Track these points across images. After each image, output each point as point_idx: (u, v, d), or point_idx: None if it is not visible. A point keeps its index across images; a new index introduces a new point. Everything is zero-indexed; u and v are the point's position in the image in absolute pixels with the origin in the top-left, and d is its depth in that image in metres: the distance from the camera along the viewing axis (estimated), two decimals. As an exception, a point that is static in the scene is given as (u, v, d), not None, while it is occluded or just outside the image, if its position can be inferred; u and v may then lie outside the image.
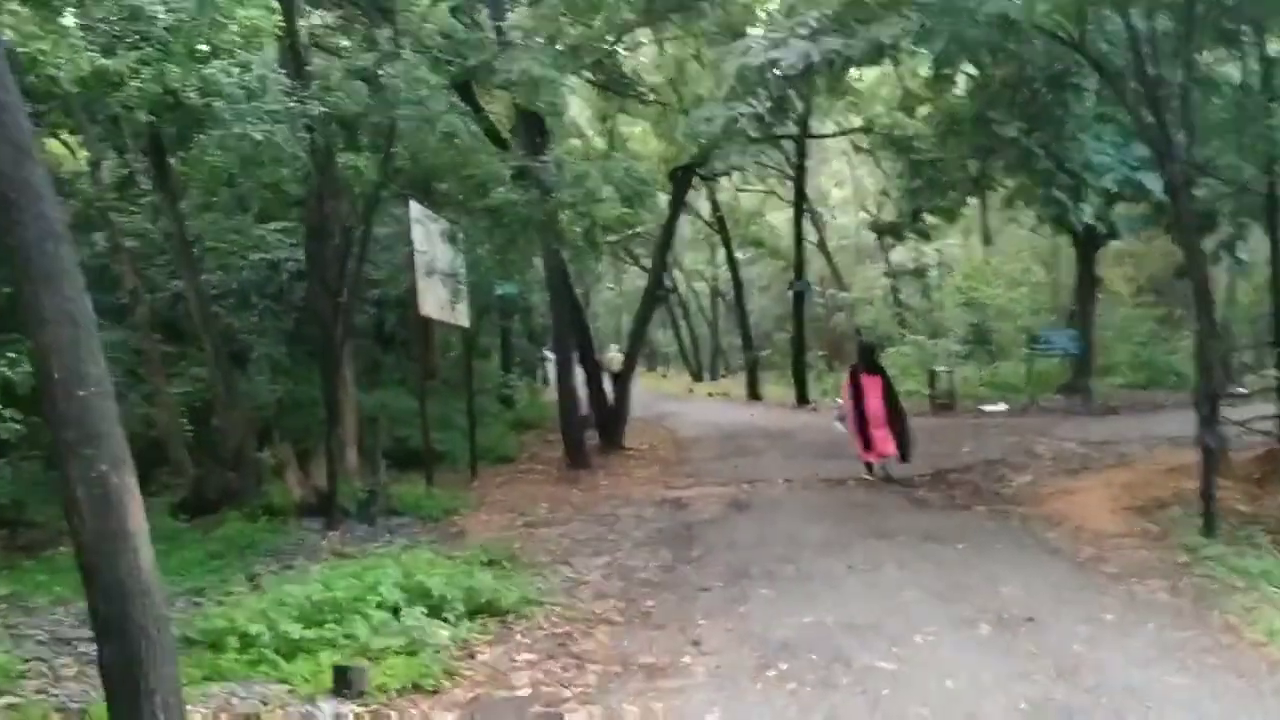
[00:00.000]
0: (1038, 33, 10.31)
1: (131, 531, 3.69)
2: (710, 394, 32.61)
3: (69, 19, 10.24)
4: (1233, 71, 12.18)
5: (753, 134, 10.88)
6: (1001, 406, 21.06)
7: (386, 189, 11.74)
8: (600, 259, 26.25)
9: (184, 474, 12.17)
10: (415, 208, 12.54)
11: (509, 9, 14.48)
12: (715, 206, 31.70)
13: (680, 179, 19.79)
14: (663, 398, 29.95)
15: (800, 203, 27.56)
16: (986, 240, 32.76)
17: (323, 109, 9.90)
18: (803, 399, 25.58)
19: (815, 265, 34.00)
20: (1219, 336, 9.59)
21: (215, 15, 10.17)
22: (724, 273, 37.43)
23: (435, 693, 5.55)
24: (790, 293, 28.20)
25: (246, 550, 9.55)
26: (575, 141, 24.86)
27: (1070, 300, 25.45)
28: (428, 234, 12.75)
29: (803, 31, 10.24)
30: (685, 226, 32.67)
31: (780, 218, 36.45)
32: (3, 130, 3.55)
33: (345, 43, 14.75)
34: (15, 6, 8.97)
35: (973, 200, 23.30)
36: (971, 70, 14.37)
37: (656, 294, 21.41)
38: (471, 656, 6.13)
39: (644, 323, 20.97)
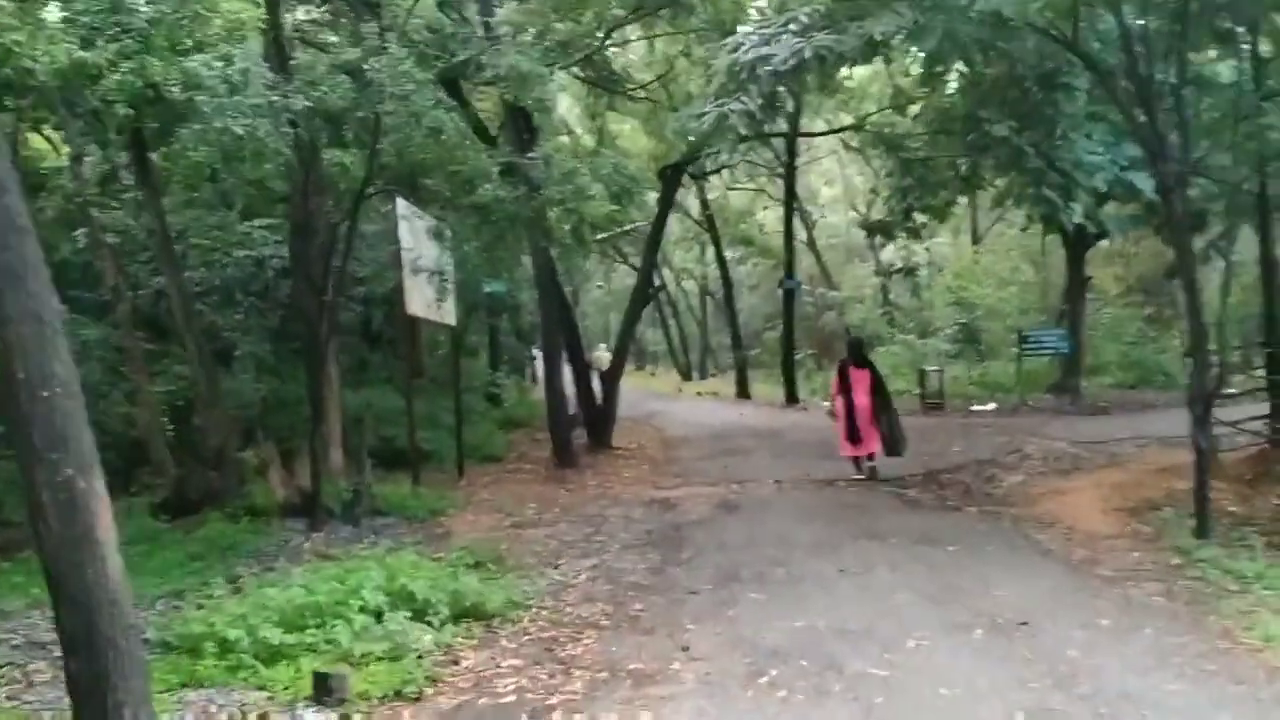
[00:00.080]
0: (1030, 31, 10.23)
1: (99, 539, 3.56)
2: (699, 393, 32.50)
3: (53, 12, 10.09)
4: (1223, 70, 12.16)
5: (743, 131, 10.70)
6: (991, 406, 21.03)
7: (372, 185, 11.59)
8: (589, 257, 26.17)
9: (165, 474, 12.01)
10: (402, 204, 12.39)
11: (497, 4, 14.33)
12: (705, 205, 31.60)
13: (670, 177, 19.66)
14: (651, 396, 29.83)
15: (790, 201, 27.48)
16: (976, 239, 32.82)
17: (307, 104, 9.75)
18: (792, 398, 25.51)
19: (805, 264, 33.97)
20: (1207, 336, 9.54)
21: (198, 8, 10.04)
22: (713, 271, 37.35)
23: (418, 700, 5.44)
24: (780, 291, 28.11)
25: (228, 552, 9.42)
26: (564, 138, 24.75)
27: (1059, 300, 25.45)
28: (414, 231, 12.60)
29: (794, 27, 10.10)
30: (674, 225, 32.57)
31: (770, 216, 36.40)
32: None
33: (333, 38, 14.60)
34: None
35: (962, 199, 23.25)
36: (962, 68, 14.26)
37: (646, 293, 21.27)
38: (456, 662, 6.01)
39: (633, 321, 20.85)
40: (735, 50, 10.32)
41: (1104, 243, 23.08)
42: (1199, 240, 14.05)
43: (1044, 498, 10.70)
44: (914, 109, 20.47)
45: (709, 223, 31.86)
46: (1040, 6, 9.83)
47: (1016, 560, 7.96)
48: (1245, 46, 10.46)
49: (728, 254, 33.67)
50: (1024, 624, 6.05)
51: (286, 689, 5.55)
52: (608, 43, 17.89)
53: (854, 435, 12.59)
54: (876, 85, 23.65)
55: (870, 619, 6.34)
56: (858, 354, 13.32)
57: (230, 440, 11.71)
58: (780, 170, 28.83)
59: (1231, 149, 10.41)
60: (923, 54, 10.27)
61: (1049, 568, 7.73)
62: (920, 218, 21.04)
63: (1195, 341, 9.10)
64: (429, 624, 6.53)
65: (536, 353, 25.77)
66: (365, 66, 10.26)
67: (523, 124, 14.58)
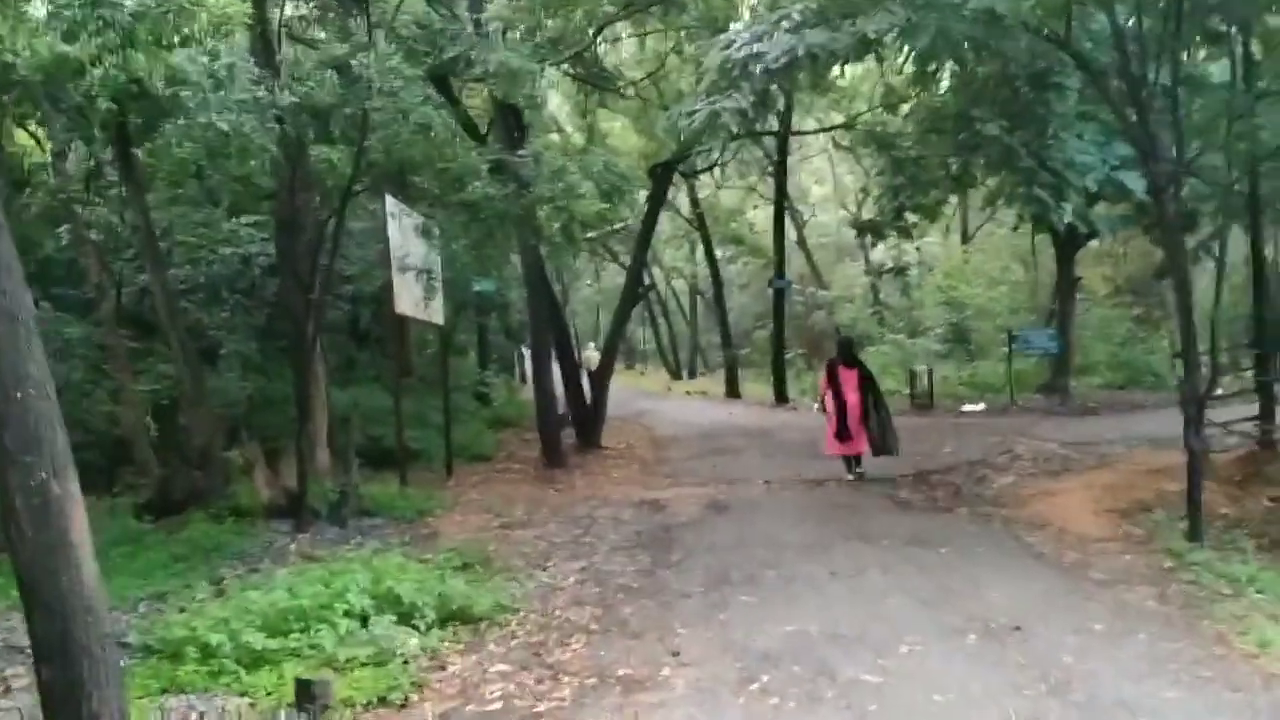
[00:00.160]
0: (1023, 29, 10.18)
1: (74, 544, 3.46)
2: (689, 392, 32.44)
3: (39, 8, 9.93)
4: (1214, 70, 12.15)
5: (735, 129, 10.63)
6: (981, 406, 21.00)
7: (360, 182, 11.47)
8: (578, 255, 26.11)
9: (149, 473, 11.87)
10: (390, 202, 12.28)
11: (487, 0, 14.23)
12: (695, 203, 31.54)
13: (660, 175, 19.59)
14: (641, 396, 29.73)
15: (781, 200, 27.42)
16: (966, 239, 32.82)
17: (293, 99, 9.63)
18: (782, 397, 25.46)
19: (795, 263, 33.91)
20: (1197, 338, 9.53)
21: (183, 2, 9.89)
22: (703, 270, 37.30)
23: (403, 706, 5.35)
24: (770, 290, 28.06)
25: (212, 553, 9.30)
26: (554, 136, 24.66)
27: (1049, 300, 25.47)
28: (402, 229, 12.49)
29: (786, 25, 10.04)
30: (665, 223, 32.48)
31: (760, 215, 36.36)
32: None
33: (321, 35, 14.47)
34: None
35: (953, 199, 23.22)
36: (954, 68, 14.23)
37: (636, 291, 21.18)
38: (442, 668, 5.92)
39: (623, 320, 20.75)
40: (727, 47, 10.27)
41: (1093, 243, 23.10)
42: (1189, 241, 14.07)
43: (1034, 499, 10.65)
44: (905, 108, 20.44)
45: (699, 221, 31.80)
46: (1032, 5, 9.80)
47: (1008, 563, 7.90)
48: (1238, 48, 10.45)
49: (718, 253, 33.61)
50: (1017, 628, 5.98)
51: (269, 695, 5.45)
52: (598, 39, 17.80)
53: (843, 434, 12.56)
54: (868, 84, 23.62)
55: (862, 623, 6.26)
56: (847, 353, 13.31)
57: (215, 440, 11.58)
58: (771, 169, 28.78)
59: (1223, 149, 10.41)
60: (915, 52, 10.18)
61: (1041, 571, 7.67)
62: (911, 217, 21.02)
63: (1186, 343, 9.06)
64: (415, 628, 6.44)
65: (526, 351, 25.70)
66: (353, 62, 10.15)
67: (512, 121, 14.49)
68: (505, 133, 14.46)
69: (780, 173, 27.04)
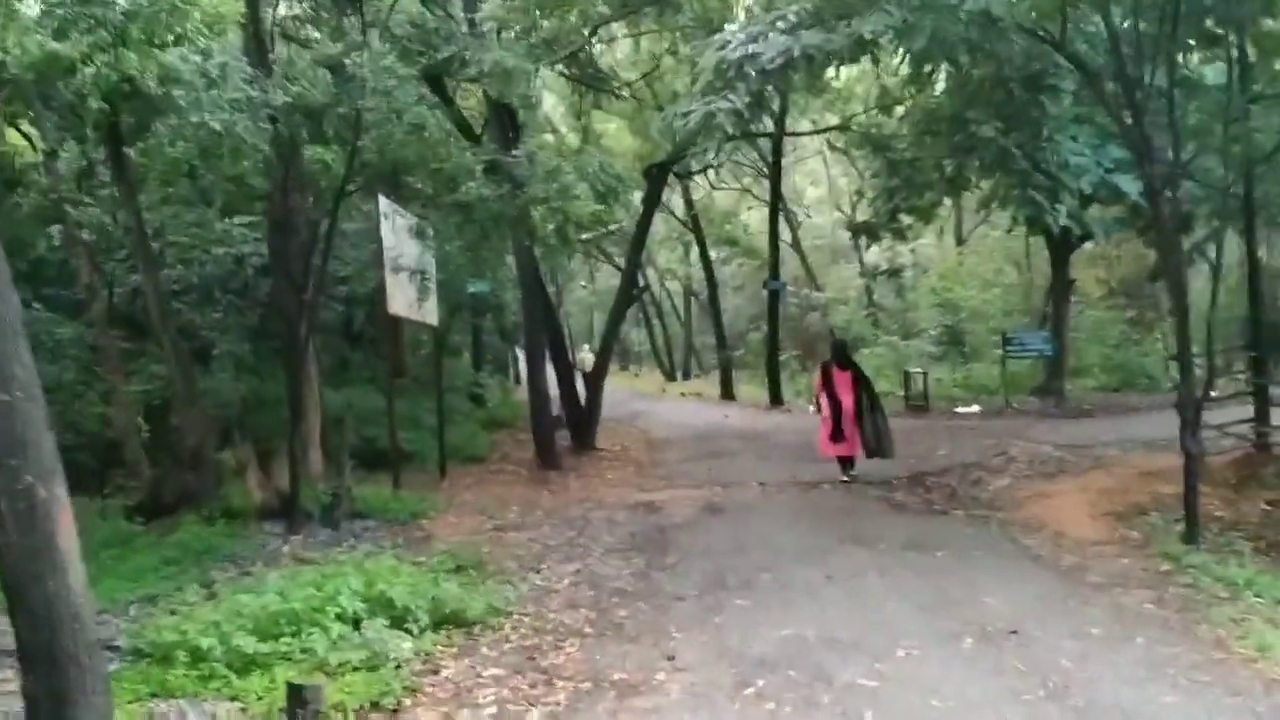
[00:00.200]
0: (1019, 31, 10.17)
1: (61, 549, 3.40)
2: (683, 394, 32.41)
3: (32, 8, 9.85)
4: (1208, 73, 12.14)
5: (730, 130, 10.59)
6: (975, 408, 20.99)
7: (353, 182, 11.42)
8: (573, 257, 26.03)
9: (140, 475, 11.79)
10: (384, 202, 12.21)
11: (482, 0, 14.18)
12: (690, 205, 31.51)
13: (655, 176, 19.54)
14: (635, 397, 29.70)
15: (775, 201, 27.40)
16: (960, 241, 32.86)
17: (286, 99, 9.56)
18: (776, 399, 25.42)
19: (790, 265, 33.93)
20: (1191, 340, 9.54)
21: (176, 1, 9.83)
22: (698, 271, 37.27)
23: (396, 711, 5.29)
24: (764, 292, 28.04)
25: (204, 555, 9.23)
26: (549, 137, 24.61)
27: (1043, 302, 25.48)
28: (396, 230, 12.42)
29: (782, 26, 10.02)
30: (659, 225, 32.47)
31: (755, 217, 36.34)
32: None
33: (315, 35, 14.41)
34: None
35: (947, 201, 23.22)
36: (949, 69, 14.24)
37: (630, 293, 21.14)
38: (435, 672, 5.85)
39: (617, 321, 20.70)
40: (723, 48, 10.24)
41: (1087, 245, 23.12)
42: (1184, 243, 14.06)
43: (1030, 501, 10.64)
44: (900, 110, 20.44)
45: (694, 223, 31.77)
46: (1028, 6, 9.79)
47: (1005, 566, 7.86)
48: (1233, 51, 10.45)
49: (712, 254, 33.59)
50: (1014, 633, 5.95)
51: (260, 700, 5.38)
52: (593, 40, 17.76)
53: (837, 436, 12.56)
54: (863, 85, 23.62)
55: (859, 627, 6.22)
56: (841, 355, 13.30)
57: (207, 441, 11.51)
58: (765, 171, 28.77)
59: (1218, 152, 10.40)
60: (911, 54, 10.17)
61: (1038, 574, 7.64)
62: (906, 219, 21.02)
63: (1182, 345, 9.04)
64: (408, 631, 6.38)
65: (520, 353, 25.63)
66: (346, 61, 10.09)
67: (507, 121, 14.44)
68: (500, 133, 14.40)
69: (775, 174, 27.03)
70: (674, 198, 31.53)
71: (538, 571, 8.47)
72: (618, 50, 22.84)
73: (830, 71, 15.22)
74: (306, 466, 11.43)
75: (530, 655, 6.11)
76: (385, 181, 12.68)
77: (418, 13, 13.75)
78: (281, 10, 14.25)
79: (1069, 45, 10.12)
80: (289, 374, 11.26)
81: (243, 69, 9.52)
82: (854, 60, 11.51)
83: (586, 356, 25.59)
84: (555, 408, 17.01)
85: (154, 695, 5.52)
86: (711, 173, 29.18)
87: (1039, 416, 18.86)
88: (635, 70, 22.42)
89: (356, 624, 6.32)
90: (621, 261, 27.68)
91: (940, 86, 16.68)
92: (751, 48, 9.91)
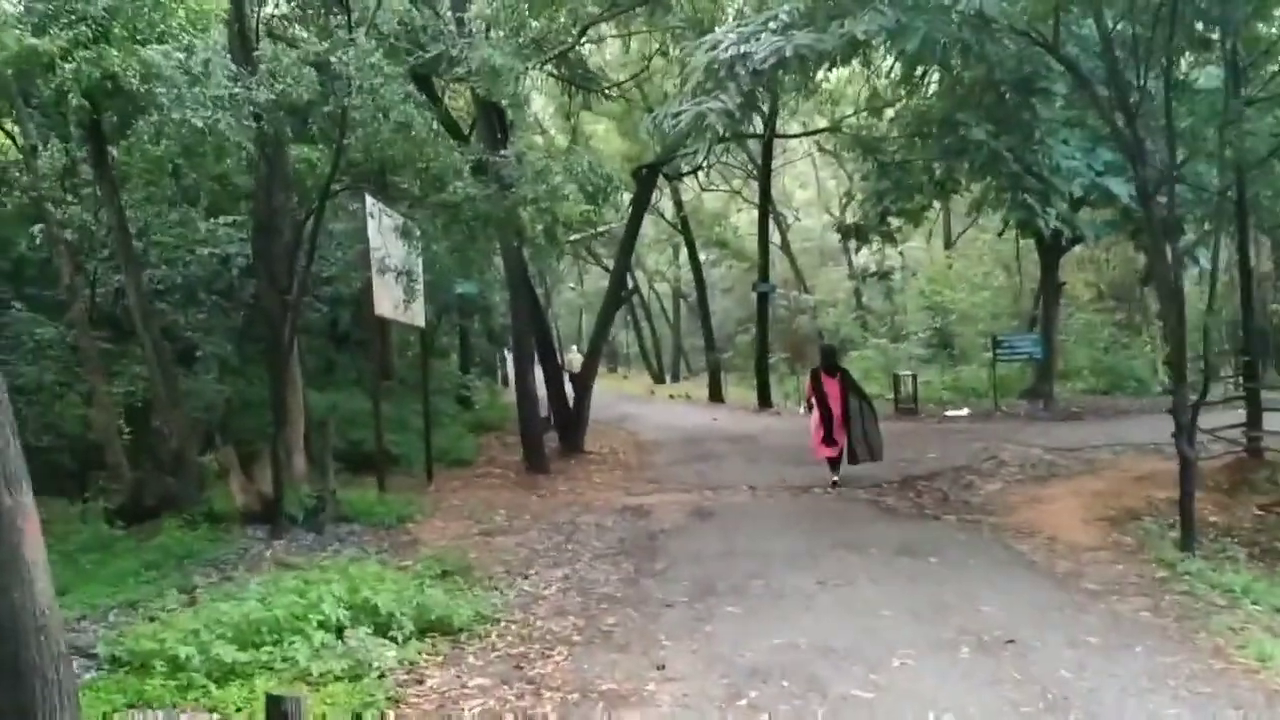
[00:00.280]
0: (1011, 33, 10.10)
1: (27, 559, 3.26)
2: (672, 396, 32.32)
3: (15, 4, 9.69)
4: (1200, 77, 12.10)
5: (721, 131, 10.48)
6: (965, 411, 20.95)
7: (339, 182, 11.25)
8: (561, 257, 25.91)
9: (122, 478, 11.56)
10: (370, 202, 12.06)
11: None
12: (679, 207, 31.45)
13: (645, 178, 19.43)
14: (624, 399, 29.59)
15: (765, 204, 27.34)
16: (949, 244, 32.88)
17: (270, 96, 9.39)
18: (765, 402, 25.35)
19: (779, 267, 33.89)
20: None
21: (158, -4, 9.68)
22: (686, 274, 37.25)
23: (379, 724, 5.14)
24: (753, 294, 27.97)
25: (185, 560, 9.06)
26: (538, 138, 24.49)
27: (1032, 305, 25.48)
28: (382, 230, 12.27)
29: (774, 26, 9.91)
30: (648, 227, 32.38)
31: (744, 219, 36.32)
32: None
33: (303, 34, 14.23)
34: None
35: (936, 203, 23.21)
36: (942, 71, 14.19)
37: (619, 295, 21.01)
38: (420, 681, 5.71)
39: (606, 324, 20.57)
40: (714, 48, 10.12)
41: (1076, 248, 23.12)
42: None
43: (1023, 506, 10.56)
44: (890, 112, 20.40)
45: (683, 225, 31.72)
46: (1022, 8, 9.72)
47: (999, 573, 7.76)
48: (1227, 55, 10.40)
49: (701, 256, 33.55)
50: (1011, 642, 5.83)
51: (239, 711, 5.24)
52: (583, 40, 17.64)
53: (829, 441, 12.53)
54: (853, 88, 23.58)
55: (853, 636, 6.10)
56: (829, 362, 13.25)
57: (190, 443, 11.32)
58: (755, 173, 28.71)
59: (1211, 156, 10.36)
60: (903, 55, 10.09)
61: (1032, 580, 7.54)
62: (895, 221, 21.00)
63: (1177, 349, 8.98)
64: (392, 639, 6.25)
65: (508, 355, 25.49)
66: (332, 59, 9.93)
67: (495, 121, 14.31)
68: (488, 133, 14.27)
69: (764, 176, 26.98)
70: (663, 199, 31.47)
71: (525, 577, 8.34)
72: (607, 51, 22.73)
73: (821, 73, 15.12)
74: (290, 470, 11.26)
75: (517, 664, 5.97)
76: (371, 181, 12.53)
77: (405, 11, 13.59)
78: (269, 9, 14.10)
79: (1061, 48, 10.06)
80: (272, 376, 11.11)
81: (226, 65, 9.37)
82: (846, 61, 11.43)
83: (575, 358, 25.47)
84: (543, 410, 16.88)
85: (130, 706, 5.36)
86: (701, 175, 29.13)
87: (1028, 419, 18.84)
88: (625, 71, 22.33)
89: (339, 632, 6.19)
90: (610, 263, 27.56)
91: (931, 89, 16.63)
92: (743, 47, 9.80)
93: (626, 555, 9.09)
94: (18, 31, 8.38)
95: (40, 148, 12.21)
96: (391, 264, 12.34)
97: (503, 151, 12.53)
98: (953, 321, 28.16)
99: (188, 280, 14.38)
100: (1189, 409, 8.35)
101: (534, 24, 14.63)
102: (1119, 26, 9.64)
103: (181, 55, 9.03)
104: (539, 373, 16.94)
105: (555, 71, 19.31)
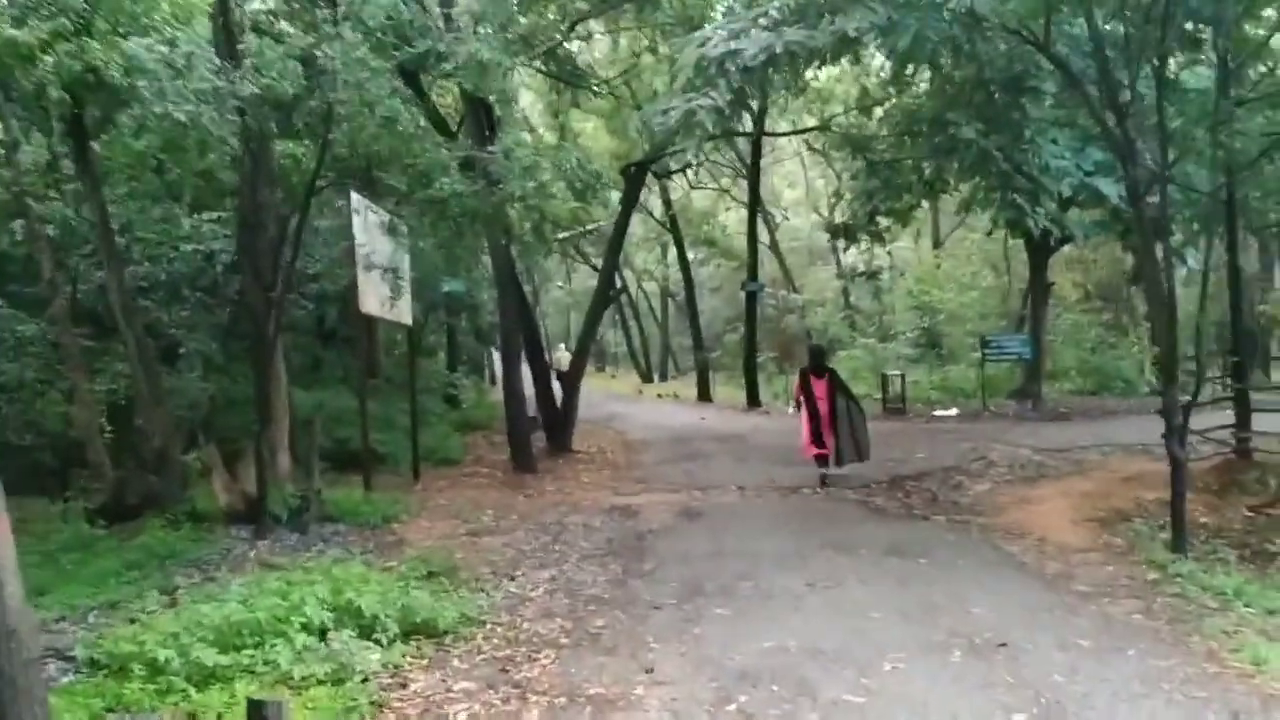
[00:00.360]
0: (1002, 31, 10.06)
1: (-4, 562, 3.15)
2: (660, 395, 32.27)
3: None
4: (1189, 77, 12.09)
5: (711, 128, 10.40)
6: (953, 411, 20.95)
7: (324, 177, 11.14)
8: (550, 254, 25.80)
9: (103, 476, 11.43)
10: (356, 198, 11.94)
11: (458, -5, 13.94)
12: (668, 205, 31.38)
13: (633, 176, 19.35)
14: (612, 399, 29.52)
15: (754, 203, 27.29)
16: (937, 243, 32.90)
17: (255, 91, 9.27)
18: (754, 401, 25.31)
19: (767, 266, 33.87)
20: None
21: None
22: (675, 273, 37.20)
23: (362, 728, 5.05)
24: (742, 294, 27.93)
25: (167, 560, 8.94)
26: (526, 135, 24.36)
27: (1020, 305, 25.50)
28: (369, 226, 12.15)
29: (764, 22, 9.85)
30: (637, 225, 32.32)
31: (733, 218, 36.28)
32: None
33: (290, 30, 14.09)
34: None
35: (924, 203, 23.21)
36: (930, 70, 14.16)
37: (607, 293, 20.92)
38: (404, 685, 5.62)
39: (594, 322, 20.49)
40: (704, 44, 10.04)
41: (1065, 248, 23.15)
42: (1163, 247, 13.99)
43: (1012, 507, 10.52)
44: (880, 111, 20.37)
45: (672, 223, 31.66)
46: (1013, 6, 9.67)
47: (989, 574, 7.70)
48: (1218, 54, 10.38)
49: (690, 255, 33.48)
50: (1003, 645, 5.76)
51: (220, 716, 5.14)
52: (571, 36, 17.55)
53: (818, 440, 12.52)
54: (843, 86, 23.56)
55: (843, 638, 6.03)
56: (817, 362, 13.22)
57: (173, 442, 11.19)
58: (744, 171, 28.66)
59: (1201, 156, 10.33)
60: (894, 53, 10.04)
61: (1023, 582, 7.48)
62: (884, 221, 20.97)
63: (1168, 350, 8.93)
64: (376, 642, 6.16)
65: (496, 353, 25.40)
66: (318, 53, 9.81)
67: (483, 117, 14.20)
68: (476, 129, 14.16)
69: (754, 175, 26.92)
70: (652, 198, 31.41)
71: (512, 578, 8.24)
72: (596, 48, 22.63)
73: (810, 71, 15.08)
74: (275, 469, 11.14)
75: (503, 667, 5.88)
76: (357, 177, 12.41)
77: (392, 5, 13.48)
78: (255, 4, 13.96)
79: (1052, 47, 10.02)
80: (257, 374, 10.99)
81: (210, 59, 9.23)
82: (837, 59, 11.38)
83: (563, 356, 25.37)
84: (531, 409, 16.79)
85: (109, 710, 5.26)
86: (690, 173, 29.06)
87: (1016, 420, 18.86)
88: (614, 68, 22.23)
89: (323, 634, 6.09)
90: (598, 262, 27.51)
91: (921, 88, 16.60)
92: (733, 44, 9.73)
93: (614, 556, 9.00)
94: (-4, 23, 8.22)
95: (21, 142, 12.05)
96: (378, 261, 12.24)
97: (490, 148, 12.45)
98: (941, 321, 28.18)
99: (171, 277, 14.25)
100: (1180, 410, 8.31)
101: (522, 19, 14.55)
102: (1110, 26, 9.61)
103: (165, 49, 8.89)
104: (527, 372, 16.84)
105: (543, 68, 19.21)
